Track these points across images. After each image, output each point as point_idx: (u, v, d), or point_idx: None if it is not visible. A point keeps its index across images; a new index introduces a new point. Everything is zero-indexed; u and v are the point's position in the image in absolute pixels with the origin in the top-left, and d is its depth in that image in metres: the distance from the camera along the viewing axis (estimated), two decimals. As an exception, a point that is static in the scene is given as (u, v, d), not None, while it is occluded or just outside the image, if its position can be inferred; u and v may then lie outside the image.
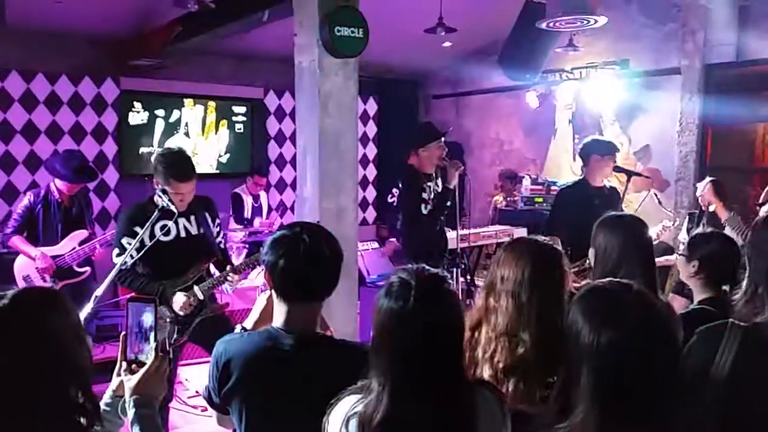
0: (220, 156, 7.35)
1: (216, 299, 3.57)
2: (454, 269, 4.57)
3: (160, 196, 3.14)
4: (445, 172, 4.30)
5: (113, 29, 5.95)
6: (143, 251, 3.06)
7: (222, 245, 3.50)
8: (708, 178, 4.36)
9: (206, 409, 3.08)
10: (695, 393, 1.52)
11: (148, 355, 1.47)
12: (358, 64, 3.69)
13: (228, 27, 4.97)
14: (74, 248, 4.35)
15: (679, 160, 5.99)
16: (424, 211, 4.26)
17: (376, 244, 6.17)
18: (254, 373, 1.65)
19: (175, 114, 6.95)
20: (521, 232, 5.96)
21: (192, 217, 3.28)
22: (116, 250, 3.12)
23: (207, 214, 3.36)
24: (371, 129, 8.22)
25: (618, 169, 4.28)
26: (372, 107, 8.19)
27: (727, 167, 5.74)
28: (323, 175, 3.60)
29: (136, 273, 3.18)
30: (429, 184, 4.30)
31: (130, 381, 1.45)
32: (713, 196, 4.21)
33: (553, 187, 6.62)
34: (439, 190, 4.33)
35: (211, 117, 7.24)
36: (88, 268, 4.45)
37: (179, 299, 3.14)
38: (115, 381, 1.49)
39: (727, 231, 3.88)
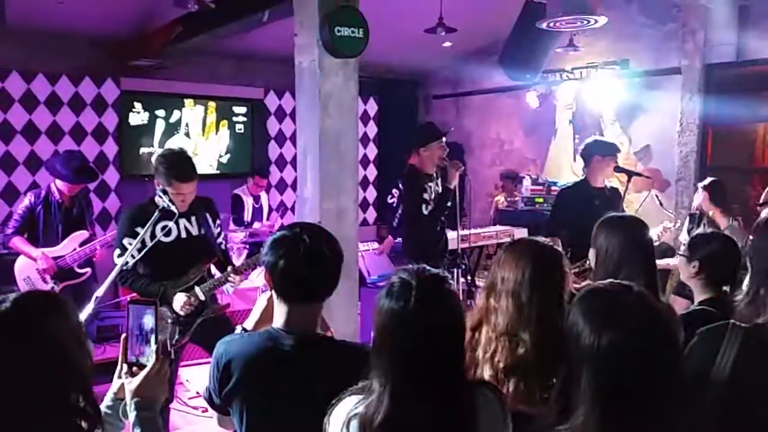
0: (220, 156, 7.35)
1: (217, 300, 3.57)
2: (455, 270, 4.57)
3: (160, 197, 3.15)
4: (445, 172, 4.30)
5: (114, 30, 5.95)
6: (144, 252, 3.06)
7: (223, 246, 3.50)
8: (701, 187, 4.36)
9: (207, 410, 3.07)
10: (696, 394, 1.52)
11: (149, 358, 1.47)
12: (359, 65, 3.69)
13: (228, 27, 4.97)
14: (75, 249, 4.35)
15: (679, 160, 5.99)
16: (425, 212, 4.27)
17: (376, 245, 6.17)
18: (255, 373, 1.65)
19: (176, 114, 6.95)
20: (522, 233, 5.96)
21: (193, 218, 3.28)
22: (117, 251, 3.12)
23: (208, 215, 3.36)
24: (371, 129, 8.22)
25: (618, 170, 4.28)
26: (372, 107, 8.19)
27: (728, 167, 5.74)
28: (324, 176, 3.60)
29: (137, 273, 3.18)
30: (430, 184, 4.31)
31: (131, 383, 1.44)
32: (709, 204, 4.23)
33: (553, 188, 6.62)
34: (440, 190, 4.33)
35: (212, 117, 7.24)
36: (88, 269, 4.45)
37: (180, 299, 3.14)
38: (115, 384, 1.49)
39: (728, 231, 3.88)
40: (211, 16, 4.57)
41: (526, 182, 6.95)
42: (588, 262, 2.50)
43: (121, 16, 5.62)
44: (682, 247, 2.46)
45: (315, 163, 3.62)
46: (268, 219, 6.81)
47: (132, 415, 1.42)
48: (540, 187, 6.86)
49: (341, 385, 1.44)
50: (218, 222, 3.45)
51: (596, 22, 3.98)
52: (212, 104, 7.21)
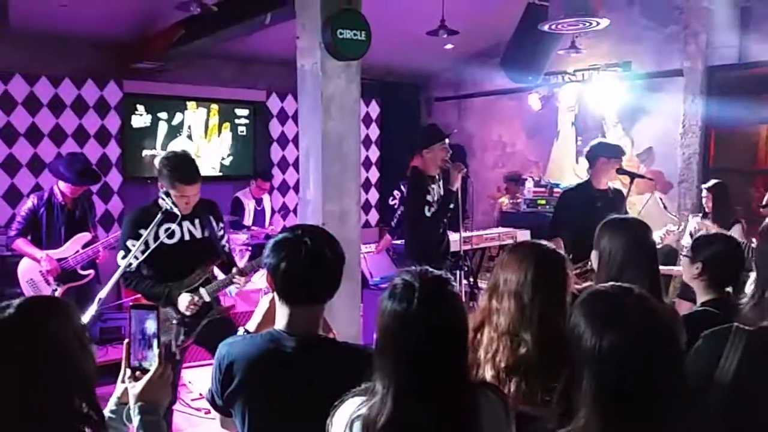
0: (222, 159, 7.36)
1: (220, 302, 3.58)
2: (457, 272, 4.58)
3: (163, 199, 3.16)
4: (447, 174, 4.30)
5: (116, 32, 5.97)
6: (147, 254, 3.07)
7: (226, 248, 3.51)
8: (695, 221, 4.39)
9: (210, 412, 3.08)
10: (699, 397, 1.52)
11: (152, 362, 1.47)
12: (361, 67, 3.69)
13: (230, 30, 4.98)
14: (78, 251, 4.35)
15: (682, 162, 5.99)
16: (428, 214, 4.27)
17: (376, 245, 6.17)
18: (257, 375, 1.65)
19: (178, 117, 6.96)
20: (524, 235, 5.96)
21: (196, 221, 3.29)
22: (121, 253, 3.13)
23: (211, 218, 3.37)
24: (374, 131, 8.23)
25: (621, 172, 4.28)
26: (374, 110, 8.20)
27: (730, 169, 5.73)
28: (326, 178, 3.61)
29: (141, 275, 3.19)
30: (433, 186, 4.31)
31: (135, 388, 1.45)
32: (709, 227, 4.28)
33: (555, 190, 6.62)
34: (442, 192, 4.34)
35: (214, 120, 7.25)
36: (91, 271, 4.45)
37: (184, 299, 3.15)
38: (119, 388, 1.50)
39: (733, 233, 3.89)
40: (214, 18, 4.59)
41: (529, 184, 6.95)
42: (590, 263, 2.50)
43: (123, 18, 5.64)
44: (685, 249, 2.46)
45: (317, 165, 3.62)
46: (270, 222, 6.81)
47: (136, 419, 1.42)
48: (542, 189, 6.86)
49: (343, 386, 1.44)
50: (221, 225, 3.46)
51: (598, 24, 3.99)
52: (215, 107, 7.22)
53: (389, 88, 8.20)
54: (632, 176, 4.36)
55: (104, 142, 6.36)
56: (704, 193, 4.62)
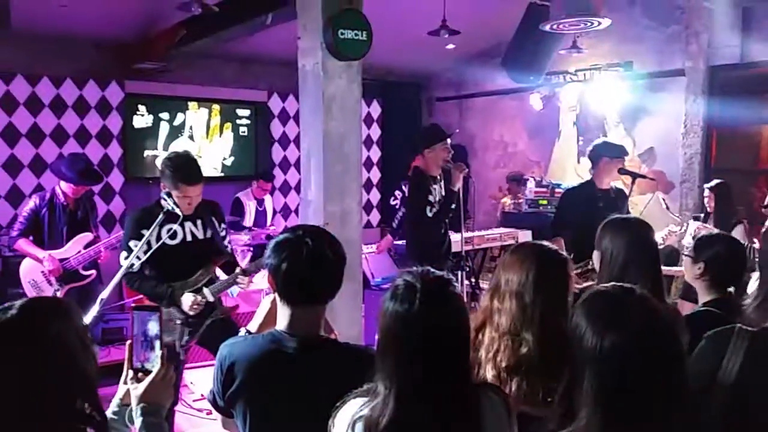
0: (224, 159, 7.36)
1: (222, 302, 3.58)
2: (459, 272, 4.57)
3: (165, 200, 3.16)
4: (449, 175, 4.30)
5: (117, 33, 5.97)
6: (149, 254, 3.08)
7: (228, 249, 3.51)
8: (695, 225, 4.40)
9: (211, 413, 3.08)
10: (702, 397, 1.51)
11: (154, 364, 1.47)
12: (362, 67, 3.69)
13: (232, 30, 4.98)
14: (79, 251, 4.36)
15: (683, 162, 5.98)
16: (429, 214, 4.27)
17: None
18: (258, 376, 1.65)
19: (180, 117, 6.97)
20: (526, 235, 5.97)
21: (199, 221, 3.29)
22: (124, 253, 3.14)
23: (214, 219, 3.37)
24: (375, 132, 8.23)
25: (622, 172, 4.28)
26: (376, 110, 8.20)
27: (732, 169, 5.72)
28: (327, 178, 3.61)
29: (144, 276, 3.20)
30: (434, 186, 4.31)
31: (137, 389, 1.45)
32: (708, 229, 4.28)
33: (557, 190, 6.62)
34: (443, 193, 4.33)
35: (216, 120, 7.25)
36: (93, 271, 4.46)
37: (187, 299, 3.16)
38: (121, 389, 1.50)
39: (735, 233, 3.88)
40: (215, 19, 4.59)
41: (530, 184, 6.95)
42: (591, 263, 2.50)
43: (124, 19, 5.64)
44: (686, 249, 2.45)
45: (319, 165, 3.62)
46: (272, 222, 6.81)
47: (138, 420, 1.42)
48: (544, 189, 6.85)
49: (345, 387, 1.44)
50: (223, 226, 3.46)
51: (600, 24, 3.98)
52: (216, 107, 7.22)
53: (390, 88, 8.20)
54: (634, 176, 4.36)
55: (106, 142, 6.37)
56: (706, 192, 4.61)
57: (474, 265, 5.96)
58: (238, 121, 7.41)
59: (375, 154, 8.25)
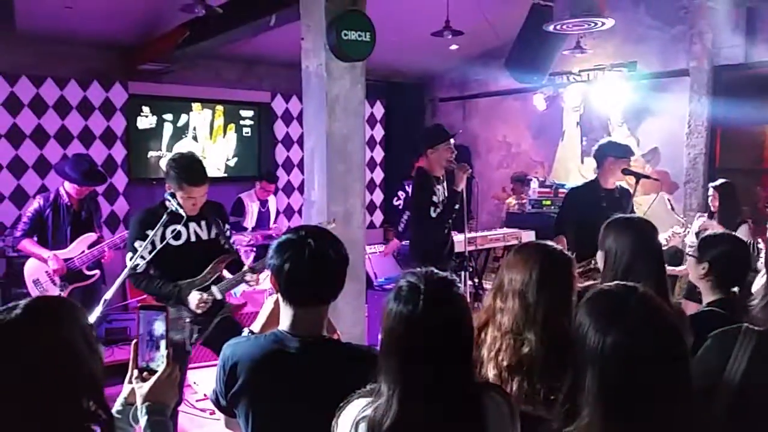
0: (227, 160, 7.37)
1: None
2: (462, 272, 4.57)
3: (168, 200, 3.17)
4: (452, 175, 4.30)
5: (121, 34, 5.99)
6: (153, 254, 3.09)
7: (232, 250, 3.52)
8: (701, 221, 4.39)
9: (214, 413, 3.08)
10: (708, 397, 1.51)
11: (160, 363, 1.47)
12: (365, 68, 3.69)
13: (235, 31, 4.99)
14: (83, 251, 4.37)
15: (688, 162, 5.96)
16: (433, 214, 4.26)
17: (383, 247, 6.17)
18: (260, 376, 1.65)
19: (183, 118, 6.98)
20: (529, 235, 5.96)
21: (203, 222, 3.30)
22: (130, 254, 3.15)
23: (218, 219, 3.38)
24: (378, 132, 8.23)
25: (627, 172, 4.27)
26: (379, 110, 8.20)
27: (737, 169, 5.71)
28: (331, 179, 3.61)
29: (150, 276, 3.21)
30: (438, 186, 4.31)
31: (142, 388, 1.45)
32: (714, 226, 4.27)
33: (561, 190, 6.60)
34: (446, 193, 4.33)
35: (219, 121, 7.27)
36: (97, 271, 4.47)
37: (194, 297, 3.18)
38: (126, 388, 1.50)
39: (739, 233, 3.88)
40: (218, 20, 4.59)
41: (534, 185, 6.94)
42: (593, 262, 2.49)
43: (128, 20, 5.66)
44: (689, 249, 2.45)
45: (322, 166, 3.62)
46: (275, 222, 6.81)
47: (143, 419, 1.43)
48: (547, 190, 6.84)
49: (348, 387, 1.44)
50: (227, 226, 3.47)
51: (603, 24, 3.98)
52: (219, 108, 7.23)
53: (394, 88, 8.20)
54: (638, 177, 4.35)
55: (110, 143, 6.38)
56: (711, 192, 4.60)
57: (477, 265, 5.96)
58: (242, 122, 7.42)
59: (378, 154, 8.25)
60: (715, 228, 4.25)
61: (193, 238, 3.26)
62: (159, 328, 1.48)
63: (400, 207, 6.06)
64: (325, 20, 3.46)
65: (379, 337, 1.41)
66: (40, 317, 1.22)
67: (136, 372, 1.48)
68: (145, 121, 6.72)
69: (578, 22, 3.98)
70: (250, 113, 7.46)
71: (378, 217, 8.30)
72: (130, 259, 3.09)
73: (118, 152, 6.45)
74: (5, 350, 1.17)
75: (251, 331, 1.82)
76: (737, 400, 1.53)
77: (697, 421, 1.24)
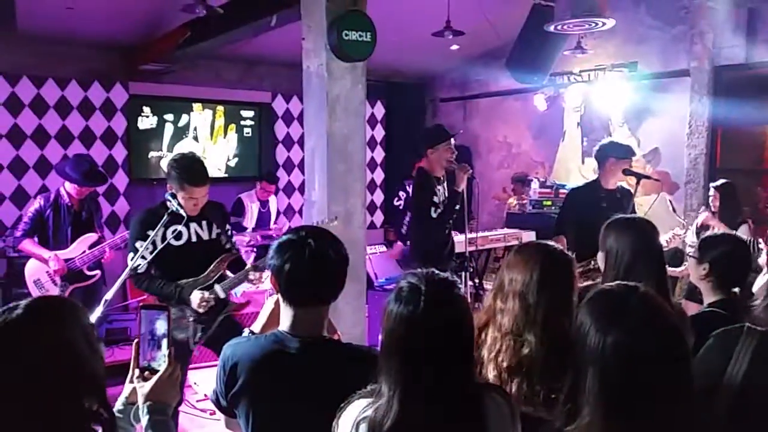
0: (228, 160, 7.38)
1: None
2: (462, 273, 4.57)
3: (169, 201, 3.17)
4: (453, 175, 4.30)
5: (122, 34, 5.99)
6: (154, 254, 3.09)
7: (234, 250, 3.52)
8: (703, 212, 4.40)
9: (214, 413, 3.08)
10: (709, 396, 1.51)
11: (161, 363, 1.47)
12: (366, 68, 3.69)
13: (236, 32, 4.99)
14: (84, 251, 4.37)
15: (688, 162, 5.96)
16: (434, 215, 4.26)
17: (384, 248, 6.17)
18: (261, 376, 1.65)
19: (184, 118, 6.98)
20: (530, 236, 5.95)
21: (204, 223, 3.31)
22: (131, 254, 3.15)
23: (220, 219, 3.39)
24: (379, 132, 8.23)
25: (627, 172, 4.27)
26: (380, 111, 8.20)
27: (737, 169, 5.70)
28: (331, 179, 3.61)
29: (152, 276, 3.21)
30: (439, 187, 4.31)
31: (144, 388, 1.45)
32: (716, 222, 4.27)
33: (561, 191, 6.60)
34: (446, 194, 4.33)
35: (220, 121, 7.27)
36: (98, 272, 4.48)
37: (196, 296, 3.18)
38: (127, 388, 1.50)
39: (740, 233, 3.87)
40: (219, 20, 4.59)
41: (534, 185, 6.94)
42: (593, 262, 2.49)
43: (129, 21, 5.66)
44: (689, 249, 2.45)
45: (323, 166, 3.62)
46: (275, 222, 6.81)
47: (145, 419, 1.43)
48: (548, 190, 6.84)
49: (348, 388, 1.44)
50: (228, 227, 3.47)
51: (604, 24, 3.98)
52: (220, 108, 7.24)
53: (395, 88, 8.20)
54: (638, 177, 4.35)
55: (111, 143, 6.39)
56: (712, 192, 4.60)
57: (478, 265, 5.95)
58: (243, 122, 7.42)
59: (379, 154, 8.25)
60: (716, 223, 4.25)
61: (194, 239, 3.26)
62: (161, 327, 1.48)
63: (401, 207, 6.05)
64: (325, 20, 3.46)
65: (380, 337, 1.41)
66: (42, 317, 1.22)
67: (137, 371, 1.48)
68: (146, 121, 6.72)
69: (579, 22, 3.98)
70: (250, 113, 7.46)
71: (378, 218, 8.30)
72: (131, 260, 3.09)
73: (119, 152, 6.46)
74: (7, 350, 1.16)
75: (251, 332, 1.82)
76: (738, 400, 1.53)
77: (698, 421, 1.24)
